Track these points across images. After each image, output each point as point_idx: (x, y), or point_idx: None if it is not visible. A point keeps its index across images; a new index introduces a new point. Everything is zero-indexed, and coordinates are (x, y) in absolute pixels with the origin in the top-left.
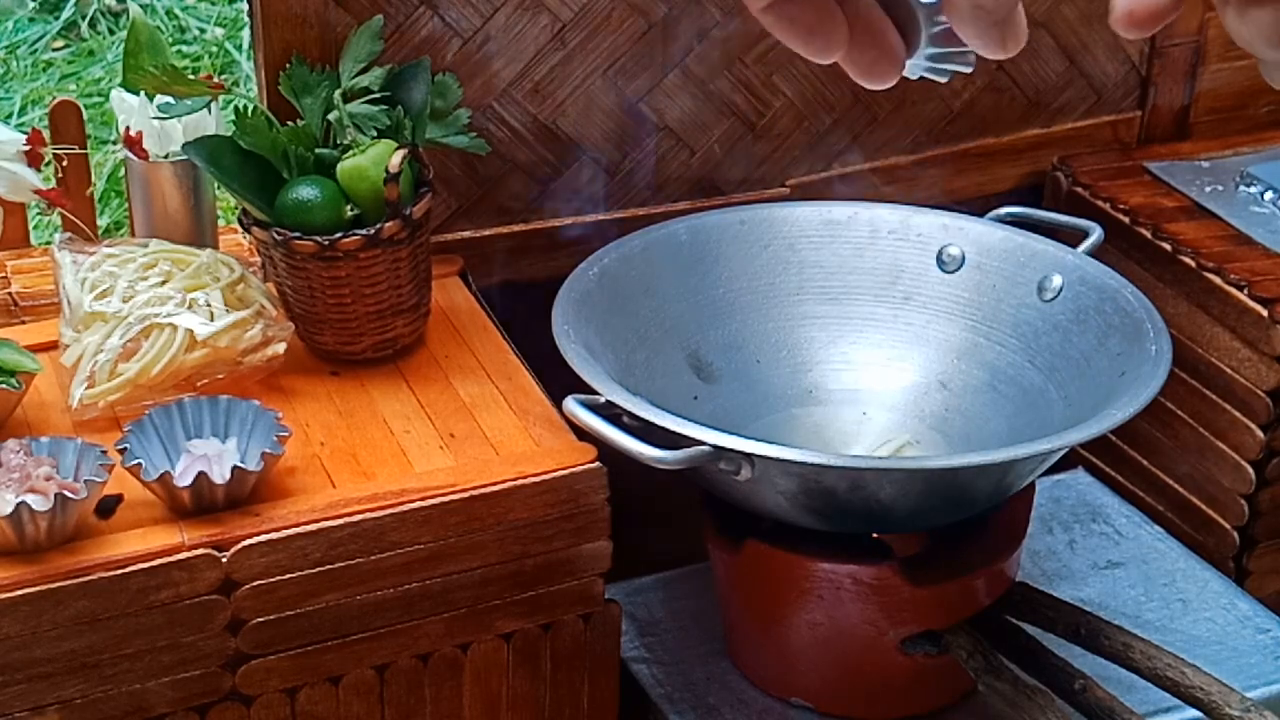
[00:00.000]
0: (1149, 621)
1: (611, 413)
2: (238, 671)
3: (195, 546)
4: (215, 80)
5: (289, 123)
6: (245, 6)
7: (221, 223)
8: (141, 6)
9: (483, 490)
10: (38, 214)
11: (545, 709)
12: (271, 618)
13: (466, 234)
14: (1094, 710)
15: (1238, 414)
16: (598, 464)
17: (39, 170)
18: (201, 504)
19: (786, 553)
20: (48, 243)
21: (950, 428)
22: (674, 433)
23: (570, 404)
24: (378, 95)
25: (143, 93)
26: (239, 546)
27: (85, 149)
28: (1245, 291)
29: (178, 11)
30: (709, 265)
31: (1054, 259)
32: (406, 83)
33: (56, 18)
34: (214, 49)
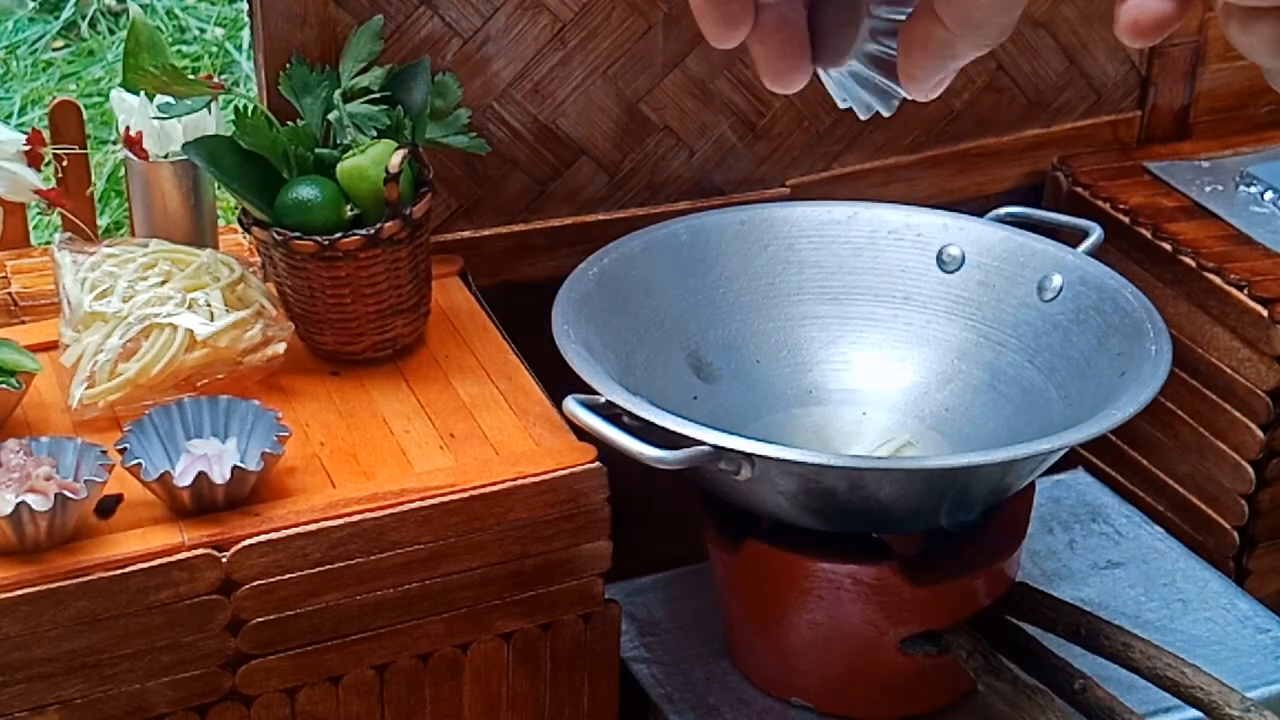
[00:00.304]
0: (1149, 621)
1: (611, 413)
2: (238, 671)
3: (195, 546)
4: (215, 80)
5: (289, 123)
6: (245, 6)
7: (221, 223)
8: (141, 6)
9: (483, 490)
10: (38, 214)
11: (545, 709)
12: (271, 618)
13: (466, 234)
14: (1094, 710)
15: (1238, 414)
16: (598, 464)
17: (39, 170)
18: (201, 504)
19: (786, 553)
20: (48, 243)
21: (950, 428)
22: (674, 433)
23: (570, 404)
24: (378, 95)
25: (143, 93)
26: (239, 546)
27: (85, 149)
28: (1245, 291)
29: (178, 11)
30: (709, 265)
31: (1054, 259)
32: (406, 83)
33: (56, 18)
34: (214, 49)
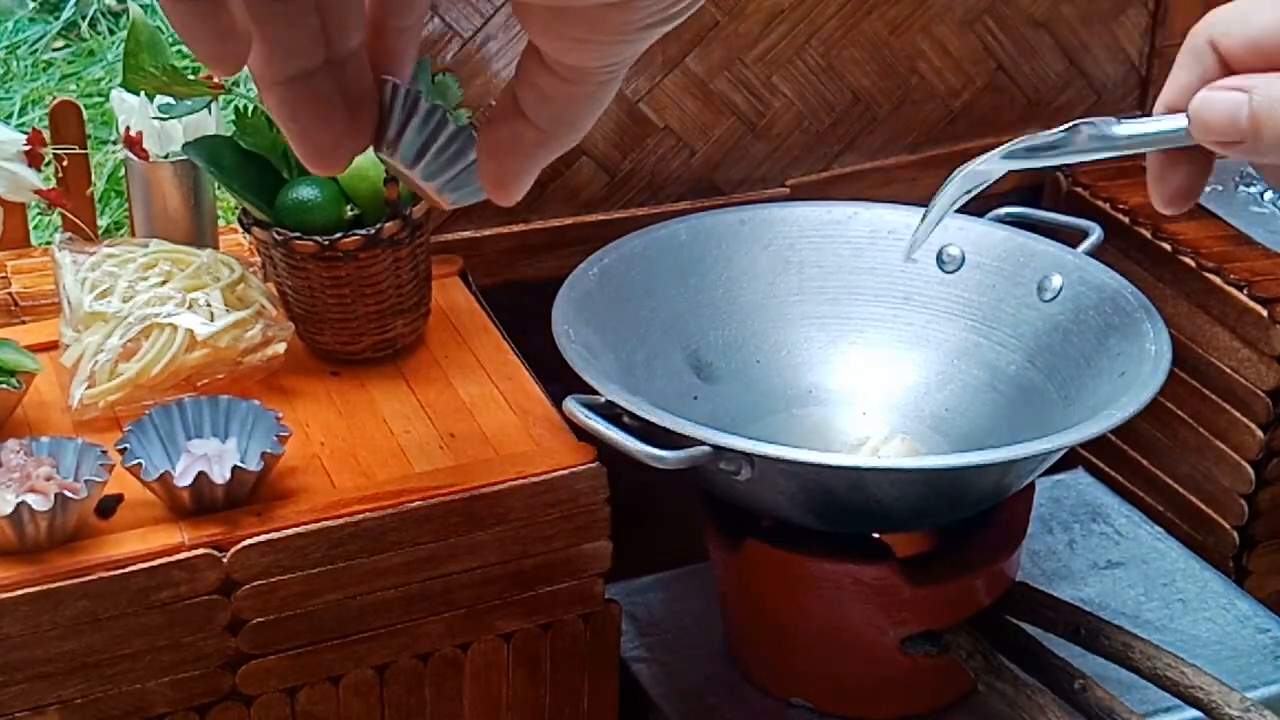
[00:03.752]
0: (1149, 621)
1: (611, 413)
2: (238, 671)
3: (195, 546)
4: (215, 80)
5: None
6: None
7: (221, 223)
8: (142, 6)
9: (483, 490)
10: (38, 214)
11: (545, 709)
12: (271, 618)
13: (466, 234)
14: (1094, 710)
15: (1238, 414)
16: (598, 464)
17: (39, 170)
18: (201, 504)
19: (786, 553)
20: (48, 243)
21: (950, 428)
22: (674, 433)
23: (570, 404)
24: None
25: (143, 93)
26: (239, 546)
27: (85, 149)
28: (1245, 291)
29: None
30: (709, 265)
31: (1054, 259)
32: None
33: (56, 18)
34: None
